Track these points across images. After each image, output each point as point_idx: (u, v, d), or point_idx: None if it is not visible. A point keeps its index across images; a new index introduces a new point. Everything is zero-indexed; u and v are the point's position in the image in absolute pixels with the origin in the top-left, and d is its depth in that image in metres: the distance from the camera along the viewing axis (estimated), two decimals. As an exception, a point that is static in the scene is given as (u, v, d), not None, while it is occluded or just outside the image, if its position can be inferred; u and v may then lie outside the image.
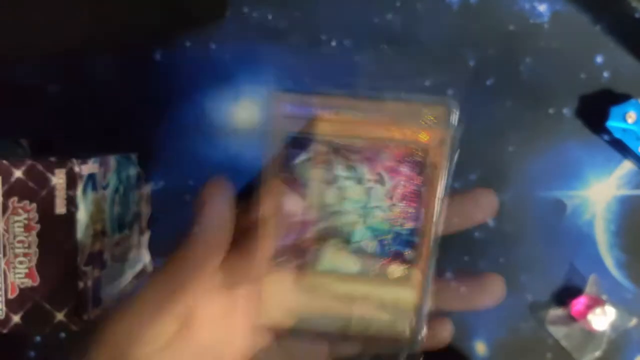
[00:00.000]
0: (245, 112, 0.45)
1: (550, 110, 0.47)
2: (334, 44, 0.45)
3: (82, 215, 0.33)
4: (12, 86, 0.44)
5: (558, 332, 0.48)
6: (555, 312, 0.47)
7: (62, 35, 0.43)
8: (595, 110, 0.46)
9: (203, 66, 0.45)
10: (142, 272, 0.43)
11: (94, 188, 0.34)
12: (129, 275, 0.41)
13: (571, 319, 0.47)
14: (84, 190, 0.33)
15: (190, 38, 0.45)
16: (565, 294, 0.47)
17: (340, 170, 0.27)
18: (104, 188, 0.36)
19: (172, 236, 0.45)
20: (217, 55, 0.45)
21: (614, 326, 0.47)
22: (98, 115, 0.45)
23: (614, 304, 0.47)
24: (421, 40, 0.46)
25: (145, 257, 0.43)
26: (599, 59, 0.47)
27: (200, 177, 0.45)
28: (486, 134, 0.47)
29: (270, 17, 0.45)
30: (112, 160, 0.37)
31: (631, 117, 0.45)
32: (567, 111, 0.47)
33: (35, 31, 0.43)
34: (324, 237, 0.28)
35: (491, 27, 0.46)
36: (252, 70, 0.45)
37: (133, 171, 0.41)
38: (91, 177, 0.34)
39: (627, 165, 0.47)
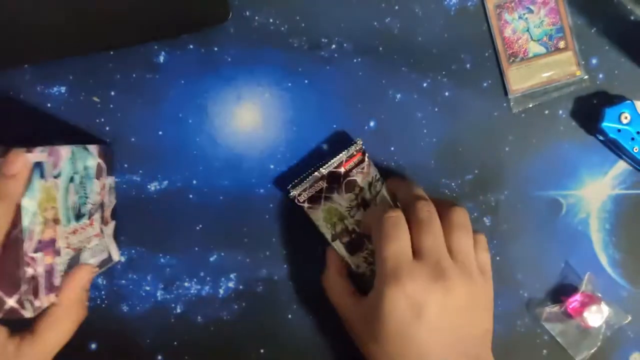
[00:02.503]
0: (247, 113, 0.46)
1: (546, 111, 0.48)
2: (334, 46, 0.46)
3: (28, 202, 0.33)
4: (15, 87, 0.45)
5: (554, 328, 0.48)
6: (551, 309, 0.48)
7: (64, 37, 0.43)
8: (590, 111, 0.47)
9: (206, 68, 0.45)
10: (107, 260, 0.43)
11: (42, 176, 0.34)
12: (91, 263, 0.40)
13: (567, 316, 0.47)
14: (30, 178, 0.33)
15: (193, 41, 0.45)
16: (561, 292, 0.48)
17: None
18: (55, 177, 0.36)
19: (174, 235, 0.46)
20: (220, 57, 0.45)
21: (609, 323, 0.48)
22: (101, 117, 0.45)
23: (609, 302, 0.47)
24: (419, 42, 0.46)
25: (111, 247, 0.44)
26: (594, 61, 0.47)
27: (203, 177, 0.46)
28: (482, 134, 0.47)
29: (271, 20, 0.45)
30: (64, 150, 0.37)
31: (626, 117, 0.45)
32: (562, 112, 0.48)
33: (37, 32, 0.43)
34: None
35: (487, 30, 0.47)
36: (253, 72, 0.46)
37: (92, 162, 0.41)
38: (38, 165, 0.34)
39: (622, 165, 0.48)
